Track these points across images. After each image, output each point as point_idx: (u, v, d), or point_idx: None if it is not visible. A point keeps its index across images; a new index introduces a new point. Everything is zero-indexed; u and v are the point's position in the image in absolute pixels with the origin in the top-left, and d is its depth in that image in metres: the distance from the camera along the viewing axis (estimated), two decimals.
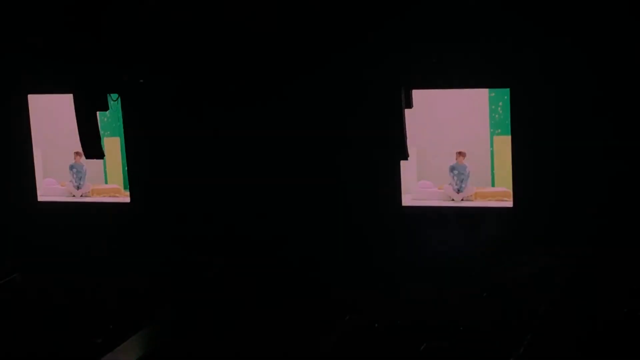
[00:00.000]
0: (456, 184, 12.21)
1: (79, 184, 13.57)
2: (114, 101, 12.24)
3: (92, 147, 12.13)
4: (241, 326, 10.60)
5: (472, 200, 12.15)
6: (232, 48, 12.12)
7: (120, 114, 12.98)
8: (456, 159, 12.12)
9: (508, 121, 11.71)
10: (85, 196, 13.53)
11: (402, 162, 11.87)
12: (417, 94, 11.47)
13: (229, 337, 10.32)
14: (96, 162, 12.96)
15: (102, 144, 12.35)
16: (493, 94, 11.96)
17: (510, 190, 11.82)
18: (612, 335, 9.57)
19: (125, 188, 13.40)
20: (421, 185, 12.41)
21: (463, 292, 11.07)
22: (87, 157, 12.37)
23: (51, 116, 13.51)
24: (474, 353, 9.51)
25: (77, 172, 13.60)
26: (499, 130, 12.02)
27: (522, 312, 10.32)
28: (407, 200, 12.27)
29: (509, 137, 11.68)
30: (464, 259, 11.64)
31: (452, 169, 12.22)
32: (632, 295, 10.42)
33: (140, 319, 10.82)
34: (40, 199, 13.65)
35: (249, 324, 10.61)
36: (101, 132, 12.42)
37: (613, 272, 11.00)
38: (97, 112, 12.10)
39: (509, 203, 11.85)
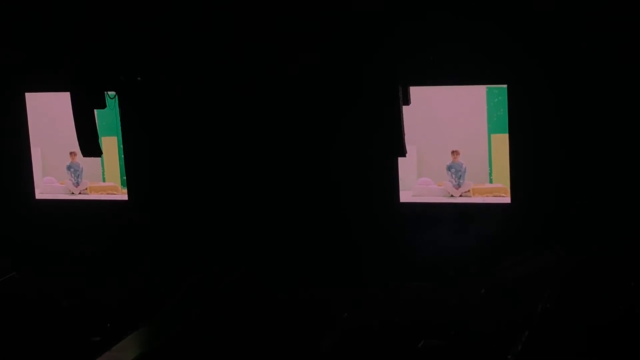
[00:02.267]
0: (455, 181, 12.25)
1: (77, 181, 13.58)
2: (112, 99, 12.22)
3: (89, 146, 12.10)
4: (239, 325, 10.60)
5: (470, 197, 12.17)
6: (230, 46, 12.10)
7: (117, 112, 12.96)
8: (452, 157, 12.16)
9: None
10: (84, 193, 13.53)
11: (401, 160, 11.87)
12: (415, 92, 11.44)
13: (228, 336, 10.33)
14: (94, 161, 12.94)
15: (99, 142, 12.34)
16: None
17: (507, 187, 11.83)
18: (611, 333, 9.58)
19: (122, 186, 13.40)
20: (421, 182, 12.43)
21: (461, 289, 11.06)
22: (84, 155, 12.31)
23: (49, 115, 13.49)
24: (472, 351, 9.51)
25: (74, 171, 13.61)
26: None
27: (520, 310, 10.32)
28: (407, 197, 12.28)
29: (506, 135, 11.71)
30: (462, 256, 11.62)
31: (449, 167, 12.28)
32: (631, 291, 10.44)
33: (138, 317, 10.83)
34: (38, 196, 13.65)
35: (246, 324, 10.62)
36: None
37: (611, 269, 10.99)
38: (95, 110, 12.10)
39: (506, 199, 11.85)
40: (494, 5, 11.07)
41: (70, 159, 13.53)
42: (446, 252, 11.71)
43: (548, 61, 11.22)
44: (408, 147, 11.34)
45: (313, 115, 12.15)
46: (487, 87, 11.93)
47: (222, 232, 12.66)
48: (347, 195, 12.30)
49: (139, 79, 12.32)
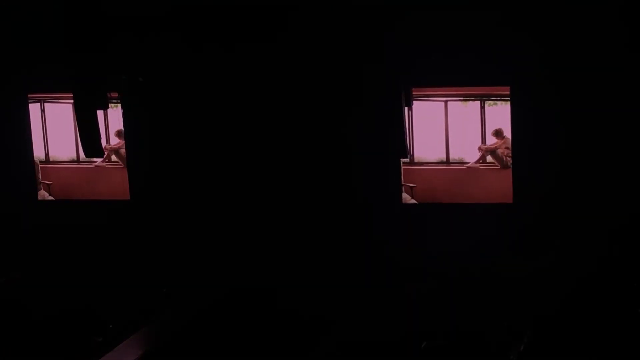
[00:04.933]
0: None
1: None
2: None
3: (91, 146, 12.14)
4: (242, 323, 10.61)
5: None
6: (232, 47, 12.12)
7: None
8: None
9: None
10: None
11: None
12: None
13: (229, 336, 10.33)
14: None
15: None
16: None
17: None
18: (613, 334, 9.58)
19: None
20: None
21: (463, 289, 11.07)
22: (87, 156, 12.38)
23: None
24: (474, 351, 9.51)
25: None
26: None
27: (522, 310, 10.32)
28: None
29: None
30: (463, 257, 11.63)
31: None
32: (633, 293, 10.44)
33: (140, 318, 10.83)
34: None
35: (248, 322, 10.63)
36: None
37: (613, 270, 10.99)
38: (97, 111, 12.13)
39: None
40: (497, 6, 11.10)
41: None
42: (448, 253, 11.69)
43: (550, 62, 11.22)
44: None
45: (314, 117, 12.16)
46: None
47: (222, 231, 12.65)
48: (348, 196, 12.30)
49: (141, 79, 12.36)
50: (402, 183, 11.66)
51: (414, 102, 11.69)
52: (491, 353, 9.45)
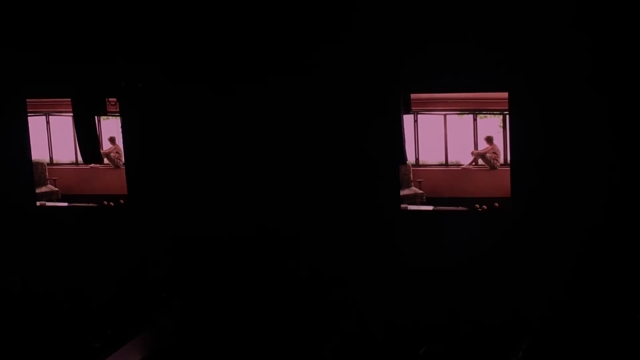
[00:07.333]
0: None
1: None
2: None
3: (90, 152, 12.18)
4: (242, 328, 10.60)
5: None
6: (232, 51, 12.14)
7: None
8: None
9: None
10: None
11: None
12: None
13: (230, 338, 10.34)
14: None
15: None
16: None
17: None
18: (612, 337, 9.59)
19: None
20: None
21: (463, 292, 11.08)
22: (85, 162, 12.49)
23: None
24: (473, 355, 9.51)
25: None
26: None
27: (522, 314, 10.33)
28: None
29: None
30: (463, 260, 11.64)
31: None
32: (632, 296, 10.45)
33: (139, 323, 10.82)
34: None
35: (249, 326, 10.62)
36: None
37: (613, 273, 11.00)
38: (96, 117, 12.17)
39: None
40: (496, 11, 11.12)
41: None
42: (448, 256, 11.70)
43: (549, 67, 11.24)
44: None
45: (313, 123, 12.17)
46: None
47: (222, 232, 12.66)
48: (347, 202, 12.31)
49: (140, 85, 12.37)
50: (412, 179, 12.45)
51: (419, 115, 12.15)
52: (490, 358, 9.46)
